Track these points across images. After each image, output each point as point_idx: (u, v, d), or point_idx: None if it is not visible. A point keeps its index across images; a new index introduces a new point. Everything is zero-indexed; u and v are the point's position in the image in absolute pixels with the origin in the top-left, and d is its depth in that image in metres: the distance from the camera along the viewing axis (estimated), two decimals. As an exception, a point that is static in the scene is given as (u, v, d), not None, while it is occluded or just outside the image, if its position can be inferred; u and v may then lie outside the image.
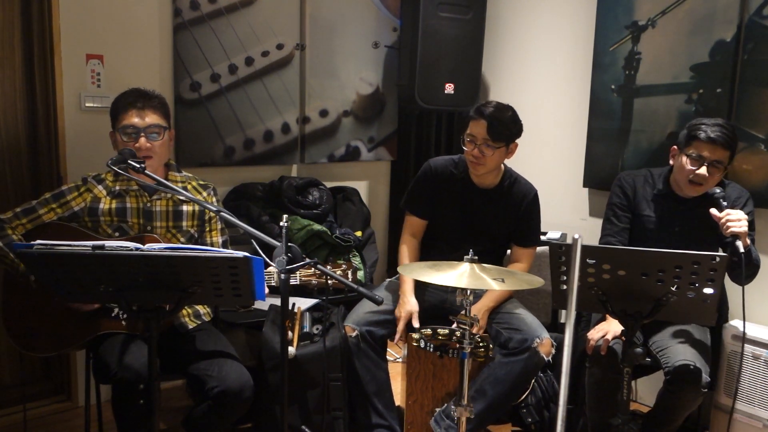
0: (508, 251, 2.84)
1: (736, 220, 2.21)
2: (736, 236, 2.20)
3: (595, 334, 2.39)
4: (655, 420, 2.41)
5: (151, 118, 2.26)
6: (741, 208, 2.40)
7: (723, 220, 2.22)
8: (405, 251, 2.77)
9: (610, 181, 2.72)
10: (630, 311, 1.93)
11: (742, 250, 2.17)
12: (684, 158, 2.39)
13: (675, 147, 2.47)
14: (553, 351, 2.55)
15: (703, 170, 2.34)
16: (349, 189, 3.70)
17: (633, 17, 3.13)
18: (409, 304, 2.60)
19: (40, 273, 1.78)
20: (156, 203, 2.32)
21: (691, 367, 2.22)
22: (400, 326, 2.56)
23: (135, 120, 2.24)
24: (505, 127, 2.54)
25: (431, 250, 2.74)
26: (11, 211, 2.21)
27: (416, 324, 2.55)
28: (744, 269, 2.17)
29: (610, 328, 2.37)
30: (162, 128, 2.28)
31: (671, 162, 2.50)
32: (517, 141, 2.62)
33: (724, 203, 2.28)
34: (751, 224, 2.40)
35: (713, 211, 2.26)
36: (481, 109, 2.55)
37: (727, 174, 2.46)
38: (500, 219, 2.71)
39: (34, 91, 2.81)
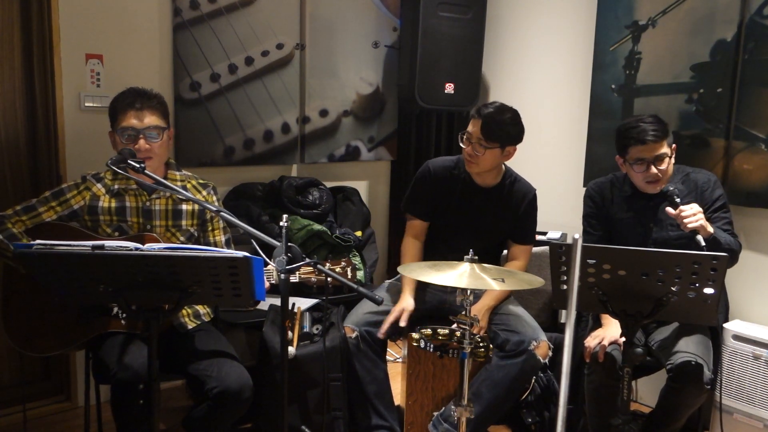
0: (504, 251, 2.84)
1: (691, 215, 2.23)
2: (695, 231, 2.22)
3: (591, 341, 2.39)
4: (658, 419, 2.40)
5: (150, 119, 2.25)
6: (711, 192, 2.46)
7: (679, 218, 2.25)
8: (407, 250, 2.76)
9: (611, 181, 2.72)
10: (630, 311, 1.93)
11: (703, 243, 2.20)
12: (629, 166, 2.45)
13: (618, 156, 2.51)
14: (550, 353, 2.55)
15: (652, 170, 2.39)
16: (349, 189, 3.70)
17: (633, 17, 3.13)
18: (405, 301, 2.60)
19: (39, 273, 1.77)
20: (155, 202, 2.31)
21: (693, 363, 2.22)
22: (389, 319, 2.55)
23: (133, 122, 2.23)
24: (500, 128, 2.53)
25: (430, 251, 2.74)
26: (11, 209, 2.21)
27: (403, 324, 2.54)
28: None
29: (606, 334, 2.37)
30: (161, 129, 2.28)
31: (622, 170, 2.54)
32: (517, 146, 2.62)
33: (678, 200, 2.31)
34: (724, 206, 2.46)
35: (669, 209, 2.30)
36: (480, 109, 2.56)
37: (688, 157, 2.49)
38: (501, 217, 2.71)
39: (33, 91, 2.80)
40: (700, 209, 2.26)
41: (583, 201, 2.69)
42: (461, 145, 2.61)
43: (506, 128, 2.55)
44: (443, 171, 2.72)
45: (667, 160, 2.41)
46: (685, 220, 2.23)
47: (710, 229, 2.26)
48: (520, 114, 2.61)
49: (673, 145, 2.46)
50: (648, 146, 2.37)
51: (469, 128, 2.59)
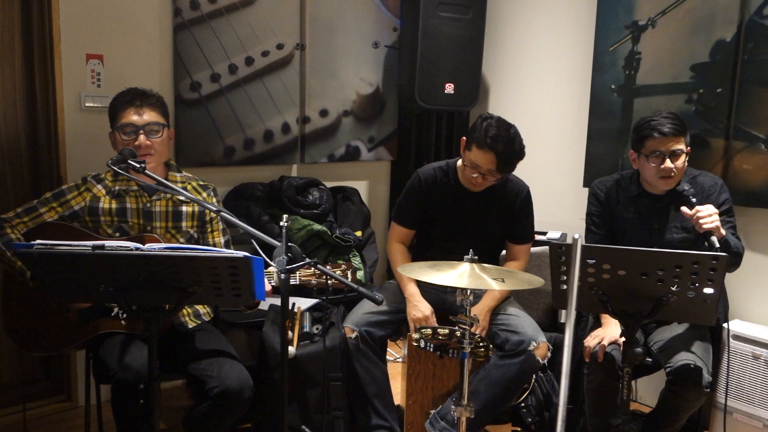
0: (503, 252, 2.84)
1: (707, 216, 2.23)
2: (710, 232, 2.22)
3: (591, 341, 2.39)
4: (658, 420, 2.41)
5: (150, 116, 2.26)
6: (718, 196, 2.45)
7: (695, 218, 2.24)
8: (398, 253, 2.75)
9: (611, 182, 2.72)
10: (630, 311, 1.93)
11: (717, 245, 2.20)
12: (644, 159, 2.43)
13: (632, 151, 2.50)
14: (549, 355, 2.55)
15: (667, 163, 2.37)
16: (349, 189, 3.70)
17: (633, 17, 3.13)
18: (424, 307, 2.58)
19: (39, 273, 1.77)
20: (156, 203, 2.31)
21: (692, 366, 2.22)
22: (412, 328, 2.55)
23: (133, 118, 2.24)
24: (514, 159, 2.50)
25: (428, 257, 2.71)
26: (12, 211, 2.21)
27: (434, 324, 2.53)
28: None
29: (605, 334, 2.37)
30: (161, 126, 2.28)
31: (635, 166, 2.53)
32: None
33: (694, 200, 2.31)
34: (730, 210, 2.45)
35: (684, 209, 2.29)
36: (489, 142, 2.43)
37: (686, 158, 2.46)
38: (496, 219, 2.71)
39: (34, 91, 2.81)
40: (716, 210, 2.25)
41: (588, 198, 2.67)
42: (466, 169, 2.55)
43: (518, 157, 2.50)
44: (434, 179, 2.69)
45: (683, 157, 2.39)
46: (701, 221, 2.22)
47: (723, 231, 2.26)
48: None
49: (689, 148, 2.43)
50: (666, 138, 2.35)
51: (477, 159, 2.47)
